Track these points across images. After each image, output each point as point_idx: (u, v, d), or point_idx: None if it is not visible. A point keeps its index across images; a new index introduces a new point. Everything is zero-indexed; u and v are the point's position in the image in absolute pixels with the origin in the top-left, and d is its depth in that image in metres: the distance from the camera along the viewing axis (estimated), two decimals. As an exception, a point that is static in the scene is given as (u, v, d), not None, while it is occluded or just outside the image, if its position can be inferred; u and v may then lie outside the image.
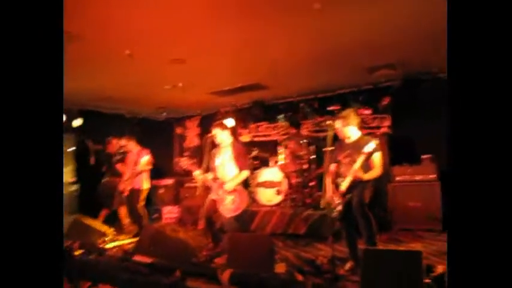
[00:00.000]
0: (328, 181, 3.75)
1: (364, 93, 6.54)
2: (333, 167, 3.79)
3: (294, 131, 6.71)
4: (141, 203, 6.07)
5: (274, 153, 6.54)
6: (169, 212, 7.41)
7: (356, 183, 3.46)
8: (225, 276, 1.65)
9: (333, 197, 3.60)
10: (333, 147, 3.53)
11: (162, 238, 4.26)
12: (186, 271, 1.88)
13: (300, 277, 3.38)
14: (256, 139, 7.74)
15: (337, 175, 3.69)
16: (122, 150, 6.39)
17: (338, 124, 3.60)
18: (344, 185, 3.51)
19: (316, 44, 4.61)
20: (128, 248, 4.55)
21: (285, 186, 5.92)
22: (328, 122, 3.52)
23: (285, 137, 6.66)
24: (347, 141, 3.74)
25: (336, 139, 3.79)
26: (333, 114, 7.02)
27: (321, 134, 6.58)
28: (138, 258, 2.16)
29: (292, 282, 1.74)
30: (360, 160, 3.36)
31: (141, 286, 2.10)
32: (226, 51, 4.70)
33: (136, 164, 6.05)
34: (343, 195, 3.53)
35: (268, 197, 5.98)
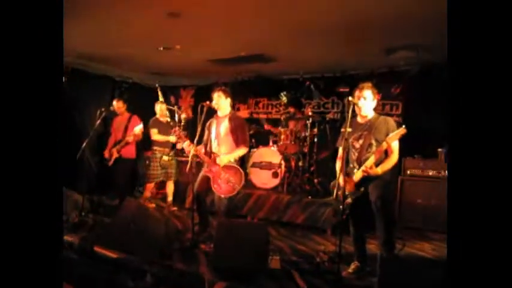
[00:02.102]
0: (338, 167, 3.23)
1: (378, 77, 5.96)
2: (341, 151, 3.27)
3: (296, 110, 6.16)
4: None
5: (273, 132, 6.02)
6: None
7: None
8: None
9: (341, 186, 3.05)
10: (350, 129, 2.96)
11: (143, 215, 3.76)
12: (161, 276, 1.34)
13: (298, 278, 2.92)
14: (255, 116, 7.19)
15: (347, 161, 3.15)
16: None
17: (359, 99, 3.01)
18: (357, 175, 2.98)
19: (332, 16, 4.00)
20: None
21: (282, 169, 5.41)
22: (350, 99, 2.92)
23: (286, 116, 6.11)
24: (360, 120, 3.15)
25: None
26: (341, 96, 6.52)
27: (327, 116, 6.07)
28: (100, 250, 1.62)
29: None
30: (371, 157, 2.84)
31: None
32: (231, 11, 4.09)
33: (127, 131, 5.54)
34: (356, 186, 3.01)
35: (263, 179, 5.47)
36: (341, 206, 2.96)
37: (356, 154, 3.06)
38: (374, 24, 4.21)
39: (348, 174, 3.06)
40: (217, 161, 3.69)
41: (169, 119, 5.89)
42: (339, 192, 3.01)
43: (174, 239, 3.87)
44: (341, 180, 3.01)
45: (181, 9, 4.03)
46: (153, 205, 6.07)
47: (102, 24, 4.66)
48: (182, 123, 6.09)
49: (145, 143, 6.80)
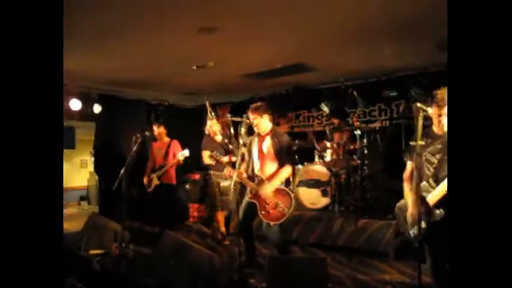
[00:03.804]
0: (406, 187, 2.74)
1: (430, 76, 5.36)
2: (409, 167, 2.78)
3: (340, 121, 5.69)
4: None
5: (318, 146, 5.57)
6: (197, 210, 6.63)
7: None
8: None
9: (413, 209, 2.56)
10: (423, 142, 2.46)
11: (183, 249, 3.47)
12: None
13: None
14: (296, 130, 6.78)
15: (421, 178, 2.64)
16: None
17: (432, 108, 2.52)
18: (436, 194, 2.47)
19: (372, 11, 3.51)
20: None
21: (332, 187, 4.93)
22: (418, 105, 2.45)
23: (330, 127, 5.66)
24: (437, 130, 2.64)
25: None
26: (388, 102, 5.99)
27: (375, 125, 5.56)
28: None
29: None
30: None
31: None
32: (265, 22, 3.74)
33: (168, 157, 5.36)
34: (433, 208, 2.51)
35: (312, 199, 5.00)
36: (412, 231, 2.48)
37: (432, 170, 2.55)
38: (422, 15, 3.57)
39: (421, 194, 2.56)
40: (261, 190, 3.31)
41: (221, 137, 5.24)
42: (410, 215, 2.53)
43: (219, 272, 3.52)
44: (412, 201, 2.52)
45: (213, 24, 3.74)
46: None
47: (132, 48, 4.48)
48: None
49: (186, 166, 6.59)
